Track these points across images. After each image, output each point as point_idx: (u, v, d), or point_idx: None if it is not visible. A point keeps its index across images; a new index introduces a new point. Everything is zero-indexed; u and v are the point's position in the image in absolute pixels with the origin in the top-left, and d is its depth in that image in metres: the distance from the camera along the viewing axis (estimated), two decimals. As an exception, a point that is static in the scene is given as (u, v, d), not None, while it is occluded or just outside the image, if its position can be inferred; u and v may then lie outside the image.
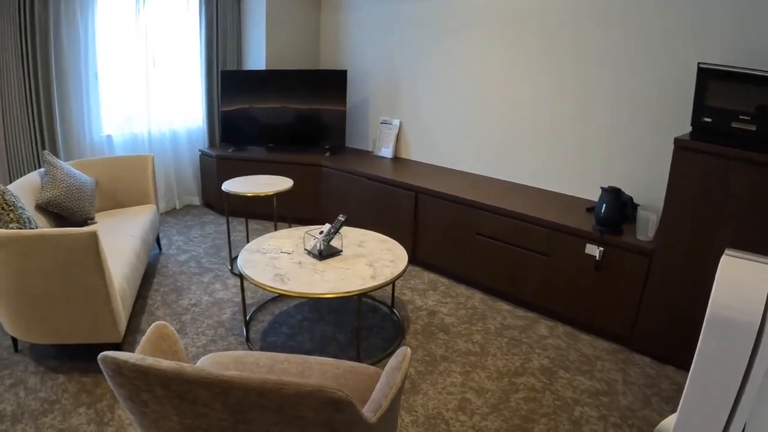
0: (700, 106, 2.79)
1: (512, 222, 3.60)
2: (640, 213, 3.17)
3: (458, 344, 3.24)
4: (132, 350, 2.91)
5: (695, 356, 1.52)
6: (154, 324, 1.89)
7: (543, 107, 4.04)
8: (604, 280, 3.28)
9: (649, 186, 3.61)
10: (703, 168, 2.79)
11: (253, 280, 2.80)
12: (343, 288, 2.74)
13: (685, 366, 3.16)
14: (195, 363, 2.36)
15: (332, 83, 4.92)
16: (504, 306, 3.77)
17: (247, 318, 3.36)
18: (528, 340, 3.35)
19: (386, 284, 2.82)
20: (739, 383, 1.50)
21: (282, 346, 3.11)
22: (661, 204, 3.41)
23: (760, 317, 1.43)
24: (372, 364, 2.89)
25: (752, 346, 1.46)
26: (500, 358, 3.13)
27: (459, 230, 3.91)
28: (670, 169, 2.89)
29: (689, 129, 3.22)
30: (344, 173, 4.60)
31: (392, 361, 1.86)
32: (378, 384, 1.80)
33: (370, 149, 5.31)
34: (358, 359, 2.93)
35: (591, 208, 3.67)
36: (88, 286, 2.63)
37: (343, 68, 5.13)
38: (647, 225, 3.13)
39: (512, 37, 4.10)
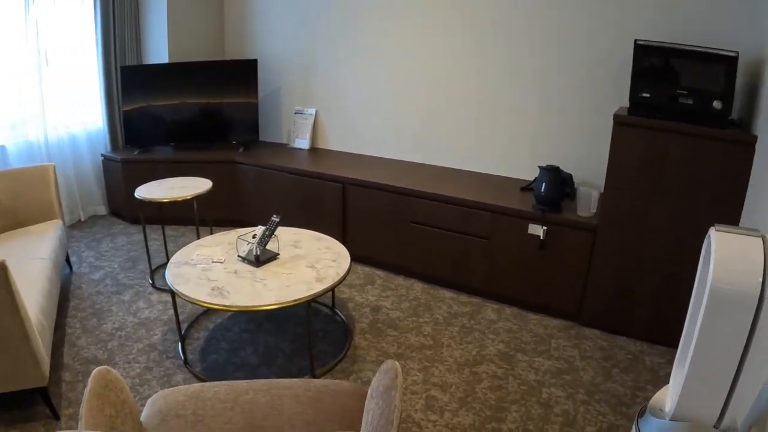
0: (637, 82, 2.86)
1: (449, 207, 3.60)
2: (581, 190, 3.24)
3: (410, 339, 3.21)
4: (59, 392, 2.67)
5: (697, 333, 1.55)
6: (95, 371, 1.69)
7: (470, 88, 4.06)
8: (550, 258, 3.35)
9: (587, 163, 3.71)
10: (643, 142, 2.89)
11: (187, 297, 2.61)
12: (290, 296, 2.62)
13: (634, 335, 3.33)
14: (142, 405, 2.16)
15: (242, 74, 4.73)
16: (447, 293, 3.77)
17: (182, 336, 3.16)
18: (478, 326, 3.37)
19: (334, 286, 2.74)
20: (740, 355, 1.54)
21: (225, 365, 2.95)
22: (601, 180, 3.50)
23: (759, 290, 1.47)
24: (326, 372, 2.82)
25: (752, 318, 1.49)
26: (455, 349, 3.12)
27: (392, 220, 3.86)
28: (610, 144, 2.97)
29: (625, 104, 3.31)
30: (262, 168, 4.43)
31: (382, 380, 1.75)
32: (372, 408, 1.70)
33: (285, 142, 5.16)
34: (312, 370, 2.83)
35: (525, 187, 3.72)
36: (0, 328, 2.31)
37: (253, 57, 4.93)
38: (589, 201, 3.21)
39: (434, 15, 4.08)
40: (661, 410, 1.91)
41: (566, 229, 3.27)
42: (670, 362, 3.13)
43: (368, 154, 4.69)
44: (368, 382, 2.79)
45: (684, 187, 2.89)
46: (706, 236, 1.70)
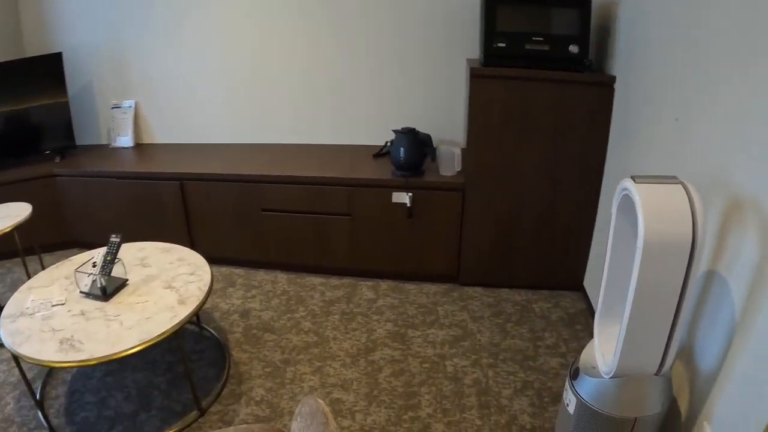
0: (490, 32, 2.84)
1: (302, 188, 3.42)
2: (442, 149, 3.21)
3: (291, 340, 3.04)
4: None
5: (633, 285, 1.55)
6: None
7: (305, 60, 3.84)
8: (420, 224, 3.33)
9: (444, 121, 3.69)
10: (502, 93, 2.91)
11: (33, 359, 2.21)
12: (153, 330, 2.32)
13: (516, 285, 3.45)
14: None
15: (45, 71, 4.09)
16: (315, 280, 3.63)
17: (38, 400, 2.72)
18: (359, 309, 3.28)
19: (201, 306, 2.47)
20: (677, 302, 1.55)
21: (98, 422, 2.57)
22: (460, 136, 3.48)
23: (691, 237, 1.48)
24: (213, 401, 2.58)
25: (686, 266, 1.50)
26: (343, 340, 3.01)
27: (241, 211, 3.61)
28: (468, 99, 2.95)
29: (475, 57, 3.29)
30: (85, 177, 3.90)
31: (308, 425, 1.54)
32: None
33: (106, 142, 4.61)
34: (198, 404, 2.57)
35: (378, 153, 3.63)
36: None
37: (57, 50, 4.28)
38: (452, 160, 3.19)
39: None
40: (593, 368, 1.91)
41: (433, 192, 3.23)
42: (558, 305, 3.25)
43: (204, 142, 4.31)
44: (262, 402, 2.59)
45: (549, 134, 2.95)
46: (620, 188, 1.69)
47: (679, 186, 1.59)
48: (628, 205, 1.73)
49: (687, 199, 1.56)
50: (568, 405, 1.99)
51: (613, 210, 1.79)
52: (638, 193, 1.57)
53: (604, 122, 2.92)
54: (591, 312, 3.20)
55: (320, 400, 1.53)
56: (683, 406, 2.02)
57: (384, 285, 3.51)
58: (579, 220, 3.21)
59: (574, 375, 1.96)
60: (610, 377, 1.79)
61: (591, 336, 3.01)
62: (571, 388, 1.95)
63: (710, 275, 1.90)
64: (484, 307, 3.25)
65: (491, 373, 2.74)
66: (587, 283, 3.34)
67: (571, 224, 3.22)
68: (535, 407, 2.54)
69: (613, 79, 2.84)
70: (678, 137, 2.20)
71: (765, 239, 1.60)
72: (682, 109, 2.17)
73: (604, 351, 1.90)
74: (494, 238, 3.30)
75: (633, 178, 1.62)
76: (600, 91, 2.86)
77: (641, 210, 1.53)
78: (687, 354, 2.03)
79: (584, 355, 2.02)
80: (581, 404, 1.90)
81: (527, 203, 3.17)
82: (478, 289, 3.43)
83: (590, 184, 3.11)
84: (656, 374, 1.79)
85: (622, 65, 2.81)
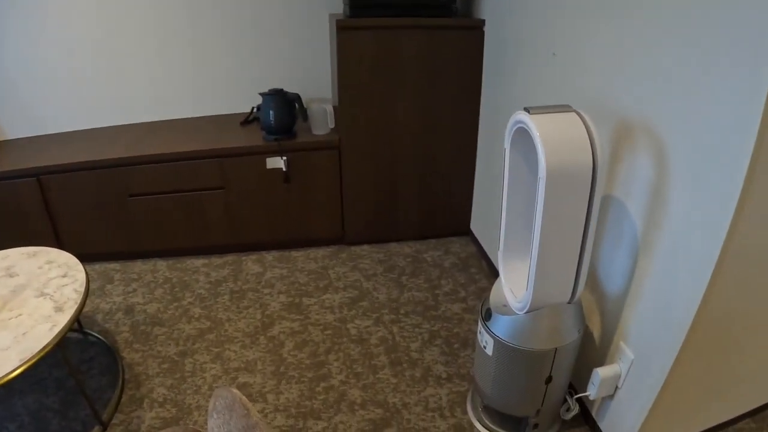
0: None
1: (168, 166, 3.22)
2: (313, 108, 3.13)
3: (184, 330, 2.89)
4: None
5: (539, 217, 1.58)
6: None
7: (159, 28, 3.56)
8: (298, 188, 3.26)
9: (311, 79, 3.58)
10: (372, 44, 2.86)
11: None
12: (33, 346, 2.08)
13: (404, 237, 3.46)
14: None
15: None
16: (197, 262, 3.46)
17: None
18: (248, 285, 3.18)
19: (81, 308, 2.28)
20: (583, 230, 1.61)
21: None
22: (329, 93, 3.41)
23: (592, 164, 1.52)
24: (114, 412, 2.42)
25: (589, 192, 1.55)
26: (238, 320, 2.90)
27: (107, 200, 3.35)
28: (336, 53, 2.87)
29: (336, 10, 3.22)
30: None
31: (229, 425, 1.42)
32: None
33: None
34: (99, 419, 2.38)
35: (246, 120, 3.49)
36: None
37: None
38: (324, 118, 3.12)
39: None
40: (505, 306, 1.95)
41: (308, 154, 3.16)
42: (448, 252, 3.31)
43: (59, 131, 3.93)
44: (166, 403, 2.45)
45: (422, 82, 2.95)
46: (513, 122, 1.71)
47: (573, 114, 1.62)
48: (521, 138, 1.75)
49: (583, 126, 1.59)
50: (485, 347, 2.02)
51: (507, 145, 1.81)
52: (534, 124, 1.58)
53: (476, 65, 2.95)
54: (482, 254, 3.28)
55: (234, 390, 1.44)
56: (596, 330, 2.12)
57: (270, 256, 3.42)
58: (459, 165, 3.26)
59: (487, 316, 1.99)
60: (525, 312, 1.83)
61: (487, 278, 3.09)
62: (486, 330, 1.98)
63: (608, 201, 1.97)
64: (375, 264, 3.25)
65: (396, 329, 2.74)
66: (474, 226, 3.42)
67: (452, 170, 3.27)
68: (447, 355, 2.58)
69: (482, 22, 2.88)
70: (557, 71, 2.26)
71: (658, 157, 1.68)
72: (558, 44, 2.22)
73: (513, 288, 1.94)
74: (376, 193, 3.29)
75: (527, 109, 1.63)
76: (470, 34, 2.88)
77: (540, 140, 1.55)
78: (593, 279, 2.11)
79: (493, 296, 2.05)
80: (500, 344, 1.94)
81: (406, 154, 3.17)
82: (366, 247, 3.41)
83: (467, 129, 3.15)
84: (569, 302, 1.84)
85: (489, 8, 2.84)
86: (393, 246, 3.39)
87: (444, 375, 2.47)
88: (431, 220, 3.38)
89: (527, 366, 1.92)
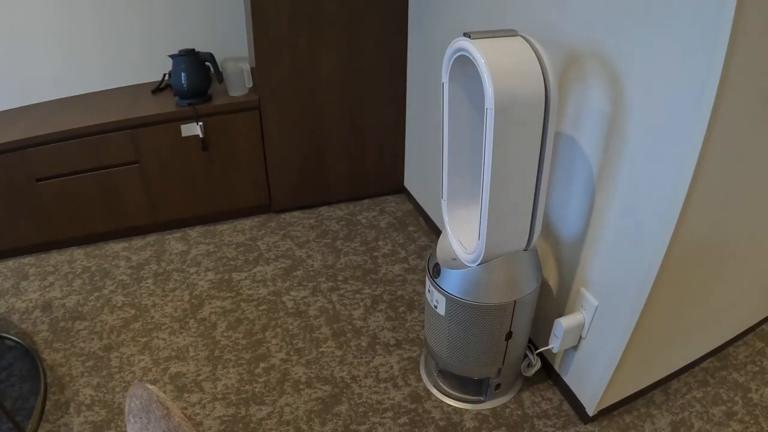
0: None
1: (77, 144, 2.84)
2: (228, 67, 2.82)
3: (107, 321, 2.57)
4: None
5: (488, 157, 1.36)
6: None
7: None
8: (218, 155, 2.96)
9: (222, 35, 3.22)
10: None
11: None
12: None
13: (335, 200, 3.22)
14: None
15: None
16: (117, 246, 3.12)
17: None
18: (173, 265, 2.88)
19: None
20: (537, 165, 1.41)
21: None
22: (245, 50, 3.09)
23: (544, 90, 1.31)
24: (39, 422, 2.12)
25: (542, 122, 1.34)
26: (164, 305, 2.61)
27: (12, 188, 2.96)
28: (251, 4, 2.57)
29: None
30: None
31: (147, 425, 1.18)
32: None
33: None
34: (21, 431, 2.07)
35: (158, 87, 3.14)
36: None
37: None
38: (241, 77, 2.82)
39: None
40: (454, 259, 1.73)
41: (226, 117, 2.85)
42: (383, 212, 3.09)
43: None
44: (94, 405, 2.15)
45: (344, 31, 2.70)
46: (451, 51, 1.47)
47: (520, 39, 1.40)
48: (461, 70, 1.52)
49: (532, 52, 1.37)
50: (436, 306, 1.80)
51: (444, 79, 1.57)
52: (478, 49, 1.34)
53: (400, 7, 2.69)
54: (419, 211, 3.07)
55: (150, 387, 1.17)
56: (553, 279, 1.94)
57: (194, 233, 3.11)
58: (389, 119, 3.02)
59: (435, 272, 1.77)
60: (478, 264, 1.61)
61: (426, 235, 2.88)
62: (435, 288, 1.76)
63: (557, 137, 1.77)
64: (307, 231, 2.99)
65: (335, 297, 2.51)
66: (408, 183, 3.20)
67: (382, 125, 3.03)
68: (393, 320, 2.37)
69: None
70: (489, 4, 2.03)
71: (612, 86, 1.47)
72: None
73: (461, 239, 1.72)
74: (302, 154, 3.02)
75: (467, 35, 1.39)
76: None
77: (486, 67, 1.31)
78: (546, 224, 1.92)
79: (439, 250, 1.83)
80: (453, 301, 1.72)
81: (332, 111, 2.91)
82: (296, 213, 3.15)
83: (395, 78, 2.91)
84: (525, 249, 1.64)
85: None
86: (324, 210, 3.14)
87: (392, 341, 2.25)
88: (363, 179, 3.13)
89: (485, 323, 1.72)
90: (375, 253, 2.77)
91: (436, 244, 1.86)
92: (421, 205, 3.05)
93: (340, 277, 2.63)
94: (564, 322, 1.83)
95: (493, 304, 1.69)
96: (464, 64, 1.48)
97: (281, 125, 2.89)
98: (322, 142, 2.98)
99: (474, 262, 1.62)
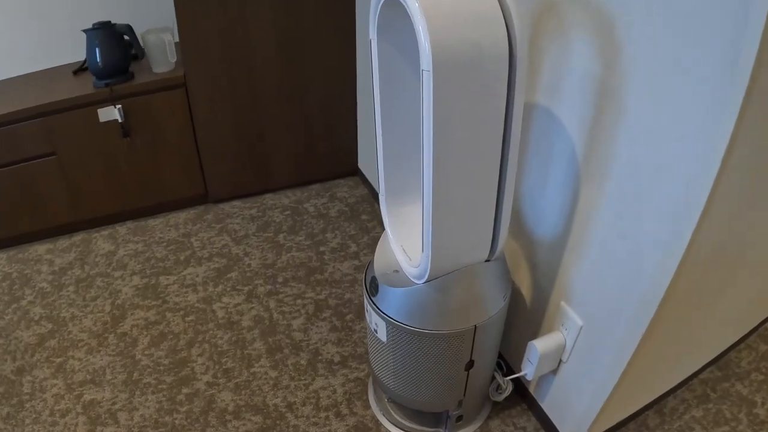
0: None
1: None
2: (149, 39, 2.30)
3: (22, 338, 2.10)
4: None
5: (429, 137, 0.89)
6: None
7: None
8: (143, 142, 2.47)
9: (144, 3, 2.66)
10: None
11: None
12: None
13: (279, 186, 2.74)
14: None
15: None
16: (40, 248, 2.62)
17: None
18: (97, 269, 2.40)
19: None
20: (501, 145, 0.93)
21: None
22: (169, 19, 2.54)
23: (507, 41, 0.82)
24: None
25: (506, 86, 0.86)
26: (83, 317, 2.14)
27: None
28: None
29: None
30: None
31: None
32: None
33: None
34: None
35: (80, 68, 2.59)
36: None
37: None
38: (163, 50, 2.33)
39: None
40: (396, 272, 1.25)
41: (148, 97, 2.37)
42: (334, 198, 2.63)
43: None
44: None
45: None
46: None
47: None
48: (395, 20, 1.02)
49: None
50: (376, 330, 1.33)
51: (372, 34, 1.07)
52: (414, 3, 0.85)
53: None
54: (374, 195, 2.60)
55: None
56: (526, 287, 1.49)
57: (123, 230, 2.61)
58: (337, 92, 2.54)
59: (373, 289, 1.30)
60: (425, 281, 1.13)
61: (381, 223, 2.40)
62: (374, 309, 1.28)
63: (528, 110, 1.29)
64: (246, 223, 2.51)
65: (273, 304, 2.04)
66: (363, 164, 2.72)
67: (329, 98, 2.55)
68: (339, 331, 1.91)
69: None
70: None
71: (604, 40, 0.99)
72: None
73: (405, 245, 1.24)
74: (239, 135, 2.54)
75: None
76: None
77: (419, 12, 0.82)
78: (516, 219, 1.46)
79: (378, 259, 1.35)
80: (395, 327, 1.25)
81: (270, 85, 2.41)
82: (236, 203, 2.66)
83: (342, 43, 2.42)
84: (488, 260, 1.17)
85: None
86: (268, 198, 2.65)
87: (337, 358, 1.80)
88: (311, 162, 2.66)
89: (438, 353, 1.27)
90: (321, 248, 2.30)
91: (373, 252, 1.37)
92: (376, 188, 2.57)
93: (280, 279, 2.15)
94: (539, 346, 1.39)
95: (448, 331, 1.21)
96: (397, 10, 0.99)
97: (212, 103, 2.41)
98: (261, 121, 2.50)
99: (420, 278, 1.15)
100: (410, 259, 1.23)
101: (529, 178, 1.36)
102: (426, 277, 1.14)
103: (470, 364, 1.37)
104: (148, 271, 2.32)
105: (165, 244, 2.47)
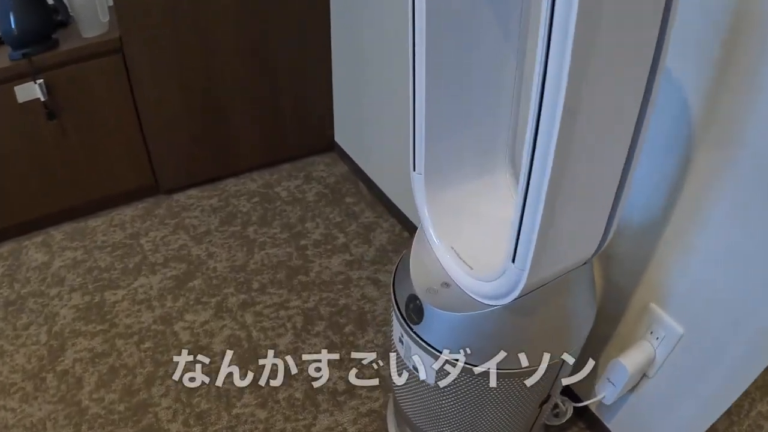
0: None
1: None
2: (74, -1, 1.78)
3: None
4: None
5: (561, 89, 0.43)
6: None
7: None
8: (74, 125, 1.94)
9: None
10: None
11: None
12: None
13: (243, 169, 2.25)
14: None
15: None
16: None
17: None
18: (28, 287, 1.89)
19: None
20: (638, 110, 0.47)
21: None
22: None
23: None
24: None
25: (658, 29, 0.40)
26: (15, 351, 1.67)
27: None
28: None
29: None
30: None
31: None
32: None
33: None
34: None
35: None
36: None
37: None
38: (94, 9, 1.82)
39: None
40: (446, 285, 0.81)
41: (76, 68, 1.84)
42: (310, 179, 2.20)
43: None
44: None
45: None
46: None
47: None
48: None
49: None
50: (416, 368, 0.91)
51: None
52: None
53: None
54: (357, 173, 2.15)
55: None
56: (600, 283, 1.10)
57: (58, 234, 2.12)
58: (308, 54, 2.08)
59: (415, 315, 0.85)
60: (513, 299, 0.69)
61: (370, 207, 1.97)
62: (415, 341, 0.85)
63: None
64: (207, 216, 2.04)
65: (250, 318, 1.60)
66: (341, 137, 2.26)
67: (299, 62, 2.08)
68: (338, 348, 1.50)
69: None
70: None
71: None
72: None
73: (458, 247, 0.79)
74: (192, 110, 2.04)
75: None
76: None
77: None
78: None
79: (416, 269, 0.90)
80: (451, 366, 0.81)
81: (228, 48, 1.96)
82: (193, 192, 2.18)
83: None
84: (589, 259, 0.74)
85: None
86: (231, 184, 2.18)
87: (341, 386, 1.37)
88: (280, 138, 2.22)
89: (513, 394, 0.84)
90: (302, 242, 1.85)
91: (406, 256, 0.92)
92: (360, 164, 2.13)
93: (255, 285, 1.70)
94: (629, 364, 0.99)
95: (531, 368, 0.78)
96: None
97: (156, 72, 1.91)
98: (219, 92, 2.02)
99: (502, 296, 0.72)
100: (471, 269, 0.78)
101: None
102: (516, 294, 0.70)
103: (546, 399, 0.95)
104: (90, 285, 1.84)
105: (109, 249, 1.98)
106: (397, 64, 1.64)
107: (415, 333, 0.88)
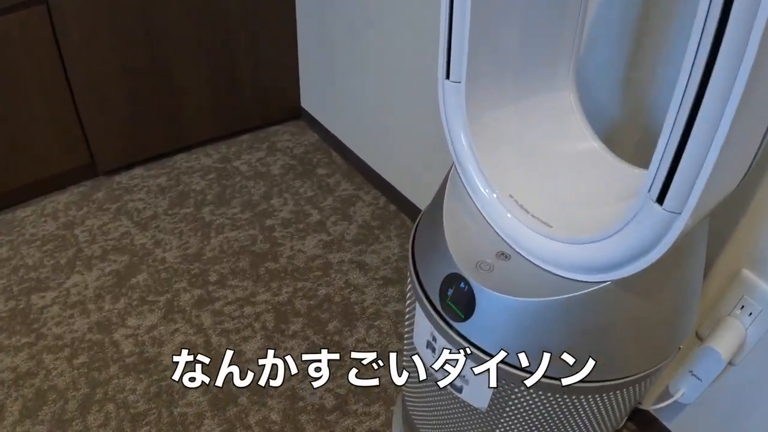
0: None
1: None
2: None
3: None
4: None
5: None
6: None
7: None
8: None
9: None
10: None
11: None
12: None
13: (196, 142, 1.89)
14: None
15: None
16: None
17: None
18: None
19: None
20: None
21: None
22: None
23: None
24: None
25: None
26: None
27: None
28: None
29: None
30: None
31: None
32: None
33: None
34: None
35: None
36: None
37: None
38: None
39: None
40: (503, 255, 0.44)
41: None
42: (274, 150, 1.89)
43: None
44: None
45: None
46: None
47: None
48: None
49: None
50: (460, 388, 0.56)
51: None
52: None
53: None
54: (330, 140, 1.82)
55: None
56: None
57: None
58: (268, 3, 1.72)
59: (460, 307, 0.50)
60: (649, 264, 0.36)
61: (347, 178, 1.67)
62: (459, 342, 0.49)
63: None
64: (154, 198, 1.68)
65: (208, 319, 1.26)
66: (308, 102, 1.91)
67: (257, 14, 1.72)
68: (320, 350, 1.14)
69: None
70: None
71: None
72: None
73: (519, 198, 0.43)
74: (132, 73, 1.66)
75: None
76: None
77: None
78: (652, 142, 0.69)
79: (452, 235, 0.54)
80: (519, 383, 0.48)
81: (176, 5, 1.57)
82: (138, 172, 1.81)
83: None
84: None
85: None
86: (181, 159, 1.82)
87: (329, 402, 1.04)
88: (237, 105, 1.86)
89: (598, 411, 0.49)
90: (268, 222, 1.51)
91: (428, 217, 0.58)
92: (332, 130, 1.79)
93: (213, 277, 1.35)
94: (723, 350, 0.67)
95: (643, 373, 0.44)
96: None
97: (88, 27, 1.53)
98: (164, 52, 1.65)
99: (634, 260, 0.38)
100: (549, 227, 0.44)
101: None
102: (658, 254, 0.37)
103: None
104: (14, 288, 1.47)
105: (39, 243, 1.60)
106: (374, 10, 1.31)
107: (463, 336, 0.54)
